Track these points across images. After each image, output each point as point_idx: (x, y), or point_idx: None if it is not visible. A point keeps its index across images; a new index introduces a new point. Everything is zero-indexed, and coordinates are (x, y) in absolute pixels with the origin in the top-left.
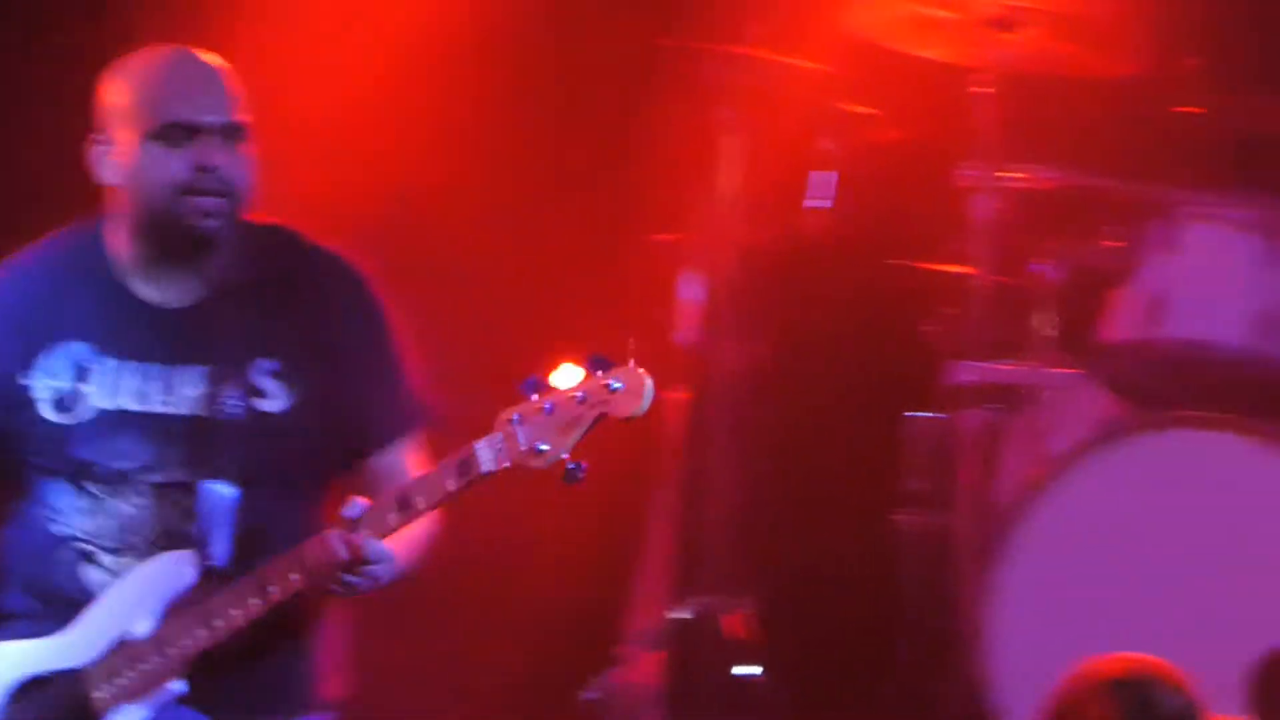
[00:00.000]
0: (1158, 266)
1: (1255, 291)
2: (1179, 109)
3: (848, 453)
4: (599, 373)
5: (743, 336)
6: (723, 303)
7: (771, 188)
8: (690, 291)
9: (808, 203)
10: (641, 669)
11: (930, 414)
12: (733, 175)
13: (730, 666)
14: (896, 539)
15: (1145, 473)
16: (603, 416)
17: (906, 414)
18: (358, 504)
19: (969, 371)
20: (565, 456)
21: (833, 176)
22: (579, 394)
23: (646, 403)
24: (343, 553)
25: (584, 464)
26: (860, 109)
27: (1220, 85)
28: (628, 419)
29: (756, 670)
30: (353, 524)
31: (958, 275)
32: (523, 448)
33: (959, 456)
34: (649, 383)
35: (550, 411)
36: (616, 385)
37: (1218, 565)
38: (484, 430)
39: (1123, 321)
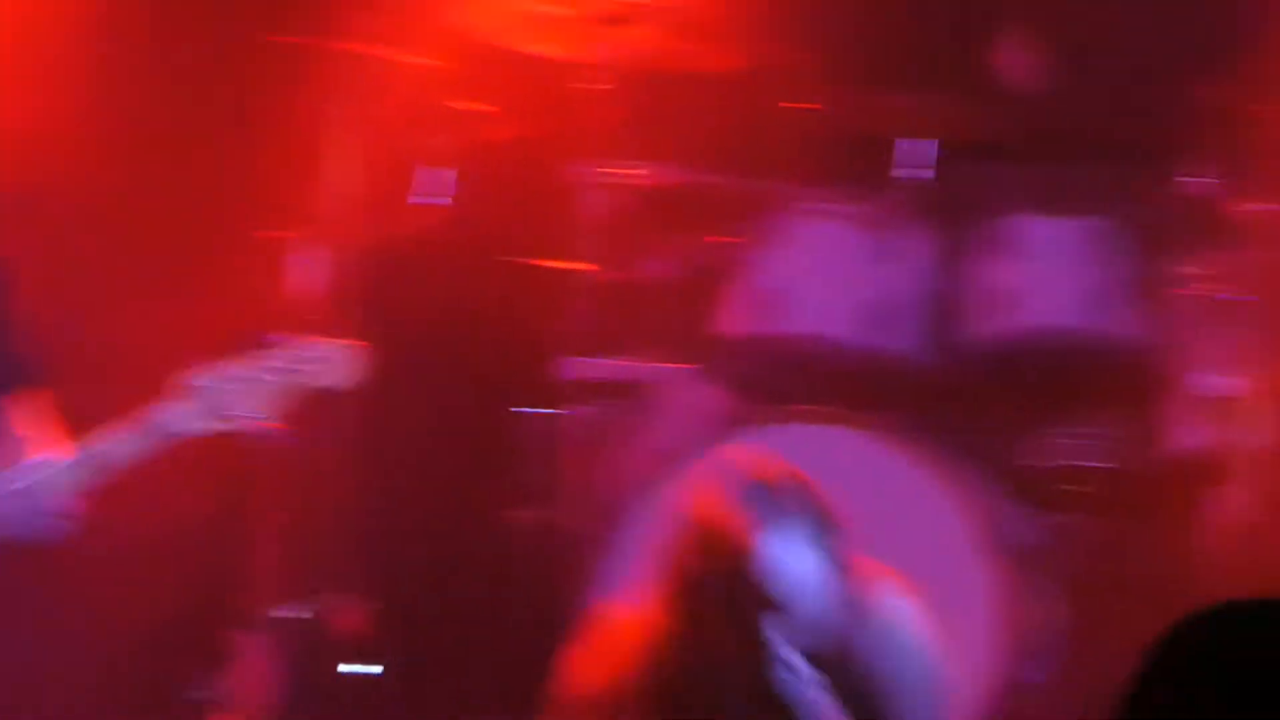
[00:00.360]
0: (771, 262)
1: (866, 285)
2: (791, 104)
3: (461, 449)
4: (294, 342)
5: (353, 334)
6: (334, 300)
7: (383, 185)
8: (302, 288)
9: (414, 199)
10: (253, 667)
11: (543, 410)
12: (345, 173)
13: (345, 665)
14: (509, 535)
15: None
16: (300, 384)
17: (519, 410)
18: None
19: (582, 368)
20: (253, 420)
21: (450, 174)
22: (275, 361)
23: (345, 374)
24: None
25: (277, 429)
26: (473, 106)
27: (830, 81)
28: (326, 389)
29: (372, 668)
30: None
31: (571, 272)
32: (212, 411)
33: (571, 453)
34: (345, 354)
35: (241, 377)
36: (313, 354)
37: None
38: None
39: (738, 317)
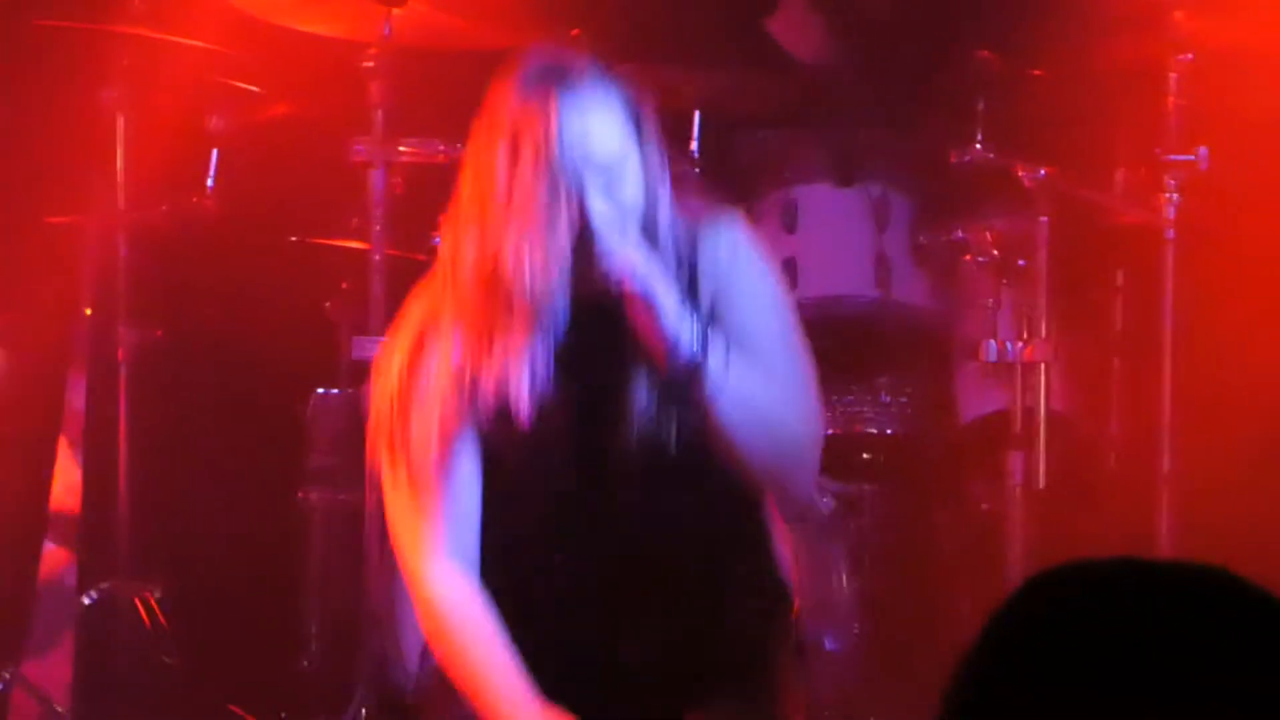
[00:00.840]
0: None
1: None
2: None
3: (253, 432)
4: None
5: (140, 318)
6: (117, 284)
7: (161, 167)
8: (88, 273)
9: (194, 181)
10: (48, 657)
11: (334, 390)
12: (123, 156)
13: (141, 653)
14: (305, 517)
15: None
16: None
17: (311, 391)
18: None
19: (371, 347)
20: None
21: (230, 154)
22: None
23: None
24: None
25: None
26: (249, 86)
27: (611, 56)
28: None
29: (166, 657)
30: None
31: (356, 251)
32: None
33: (364, 430)
34: None
35: None
36: None
37: None
38: None
39: None
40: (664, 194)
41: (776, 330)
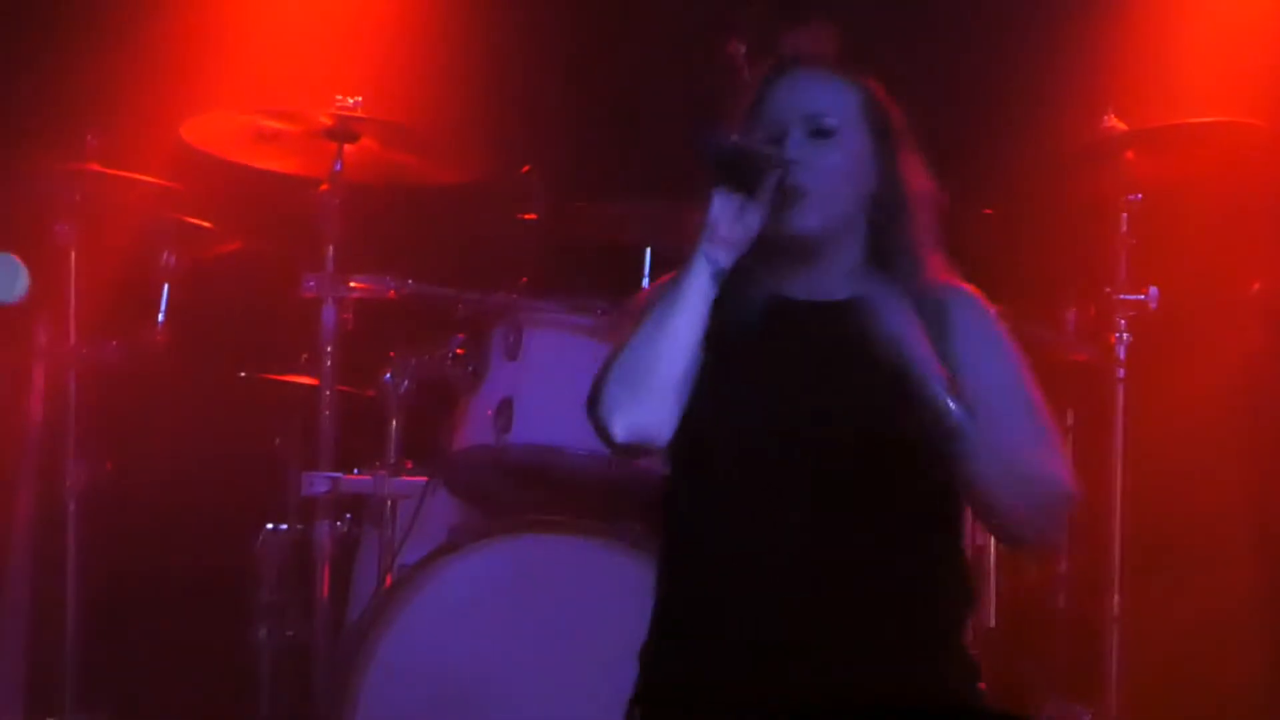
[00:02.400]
0: (502, 373)
1: None
2: (519, 215)
3: (201, 567)
4: None
5: (86, 453)
6: (66, 419)
7: (113, 302)
8: (37, 406)
9: (147, 315)
10: None
11: (284, 526)
12: (75, 290)
13: None
14: (255, 653)
15: (498, 577)
16: None
17: (260, 527)
18: None
19: (321, 483)
20: None
21: (164, 289)
22: None
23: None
24: None
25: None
26: (200, 222)
27: (558, 192)
28: None
29: None
30: None
31: (307, 386)
32: None
33: (314, 568)
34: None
35: None
36: None
37: (574, 660)
38: None
39: (471, 429)
40: (908, 218)
41: (1029, 397)
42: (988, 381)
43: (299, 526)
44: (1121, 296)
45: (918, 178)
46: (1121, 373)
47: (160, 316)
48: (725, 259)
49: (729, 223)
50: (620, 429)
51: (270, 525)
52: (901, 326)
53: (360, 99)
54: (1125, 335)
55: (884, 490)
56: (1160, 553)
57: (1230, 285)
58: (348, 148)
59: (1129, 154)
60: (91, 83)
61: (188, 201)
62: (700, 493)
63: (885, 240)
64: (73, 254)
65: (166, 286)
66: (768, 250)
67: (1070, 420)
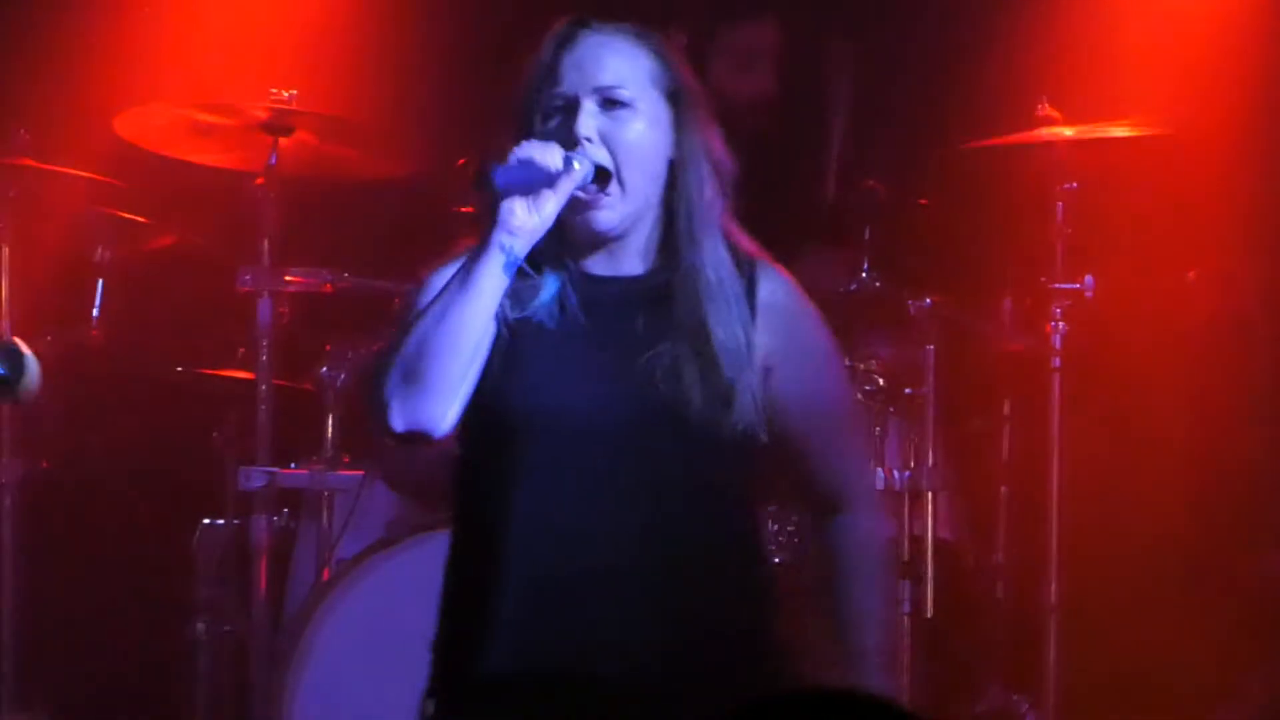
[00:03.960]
0: None
1: None
2: (458, 209)
3: (140, 562)
4: None
5: (21, 448)
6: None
7: (46, 297)
8: None
9: (77, 310)
10: None
11: (221, 521)
12: (7, 285)
13: None
14: (192, 648)
15: (435, 571)
16: None
17: (197, 522)
18: None
19: (258, 478)
20: None
21: (98, 284)
22: None
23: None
24: None
25: None
26: (135, 217)
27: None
28: None
29: None
30: None
31: (243, 381)
32: None
33: (251, 563)
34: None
35: None
36: None
37: None
38: None
39: None
40: (709, 188)
41: (841, 395)
42: (801, 374)
43: (236, 521)
44: (1057, 286)
45: (715, 145)
46: (1057, 362)
47: (95, 311)
48: (520, 248)
49: (523, 212)
50: (398, 420)
51: (207, 520)
52: (703, 303)
53: (295, 92)
54: (1061, 325)
55: (677, 468)
56: (1097, 542)
57: (1166, 274)
58: (283, 141)
59: (1063, 142)
60: (23, 77)
61: (122, 196)
62: (493, 474)
63: (686, 212)
64: (4, 249)
65: (101, 281)
66: (569, 232)
67: (1007, 410)
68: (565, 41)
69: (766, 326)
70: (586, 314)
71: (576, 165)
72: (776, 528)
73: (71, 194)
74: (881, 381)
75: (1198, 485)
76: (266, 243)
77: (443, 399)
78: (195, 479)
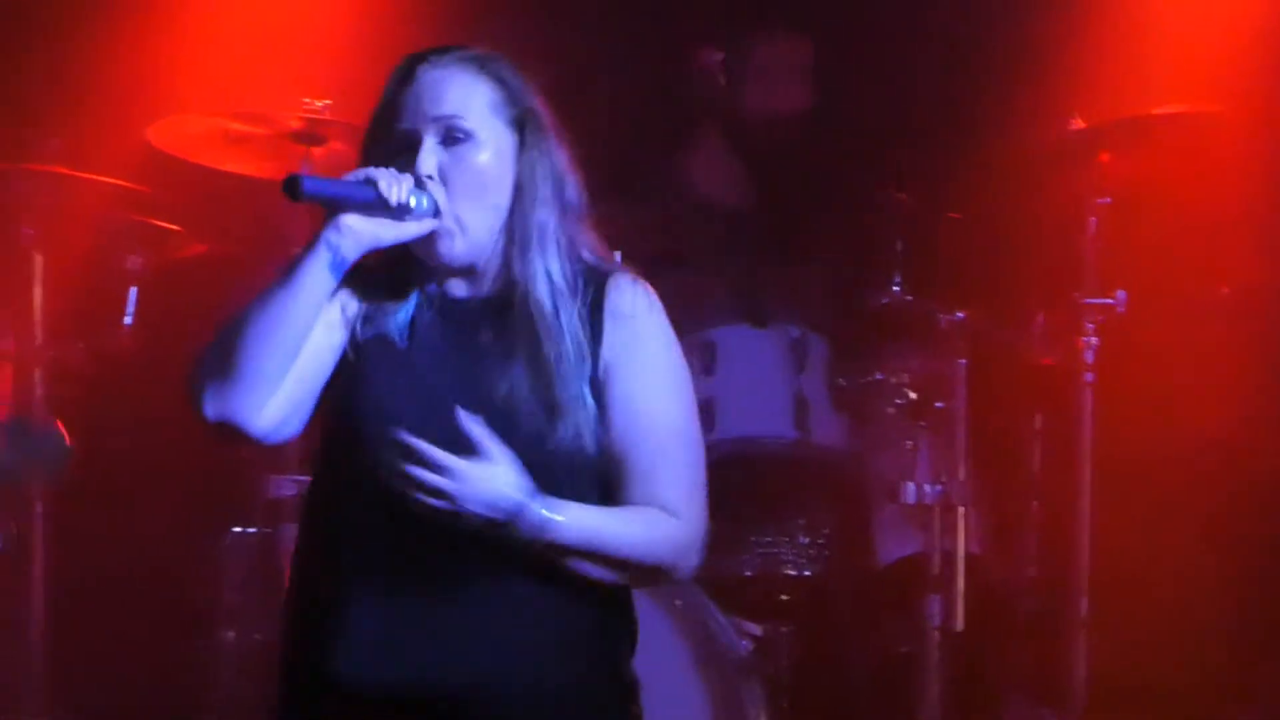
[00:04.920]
0: None
1: None
2: None
3: (169, 570)
4: None
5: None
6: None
7: (79, 304)
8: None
9: (111, 317)
10: None
11: (251, 529)
12: (41, 292)
13: None
14: (220, 656)
15: None
16: None
17: (227, 529)
18: None
19: (288, 486)
20: None
21: (132, 292)
22: None
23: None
24: None
25: None
26: (168, 225)
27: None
28: None
29: None
30: None
31: None
32: None
33: (280, 571)
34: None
35: None
36: None
37: None
38: None
39: None
40: (545, 209)
41: (671, 413)
42: (633, 389)
43: (265, 529)
44: (1089, 300)
45: (560, 166)
46: (1089, 376)
47: (127, 319)
48: (349, 249)
49: (357, 219)
50: (209, 408)
51: (236, 528)
52: (534, 320)
53: (328, 102)
54: (1093, 339)
55: None
56: (1128, 556)
57: (1198, 288)
58: (315, 150)
59: (1098, 157)
60: (57, 85)
61: (155, 204)
62: (334, 484)
63: (521, 234)
64: (38, 256)
65: (134, 289)
66: (420, 258)
67: (1038, 424)
68: (405, 78)
69: (609, 337)
70: (437, 333)
71: (412, 202)
72: (806, 541)
73: (104, 202)
74: (912, 395)
75: (1229, 499)
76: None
77: (253, 391)
78: (225, 487)
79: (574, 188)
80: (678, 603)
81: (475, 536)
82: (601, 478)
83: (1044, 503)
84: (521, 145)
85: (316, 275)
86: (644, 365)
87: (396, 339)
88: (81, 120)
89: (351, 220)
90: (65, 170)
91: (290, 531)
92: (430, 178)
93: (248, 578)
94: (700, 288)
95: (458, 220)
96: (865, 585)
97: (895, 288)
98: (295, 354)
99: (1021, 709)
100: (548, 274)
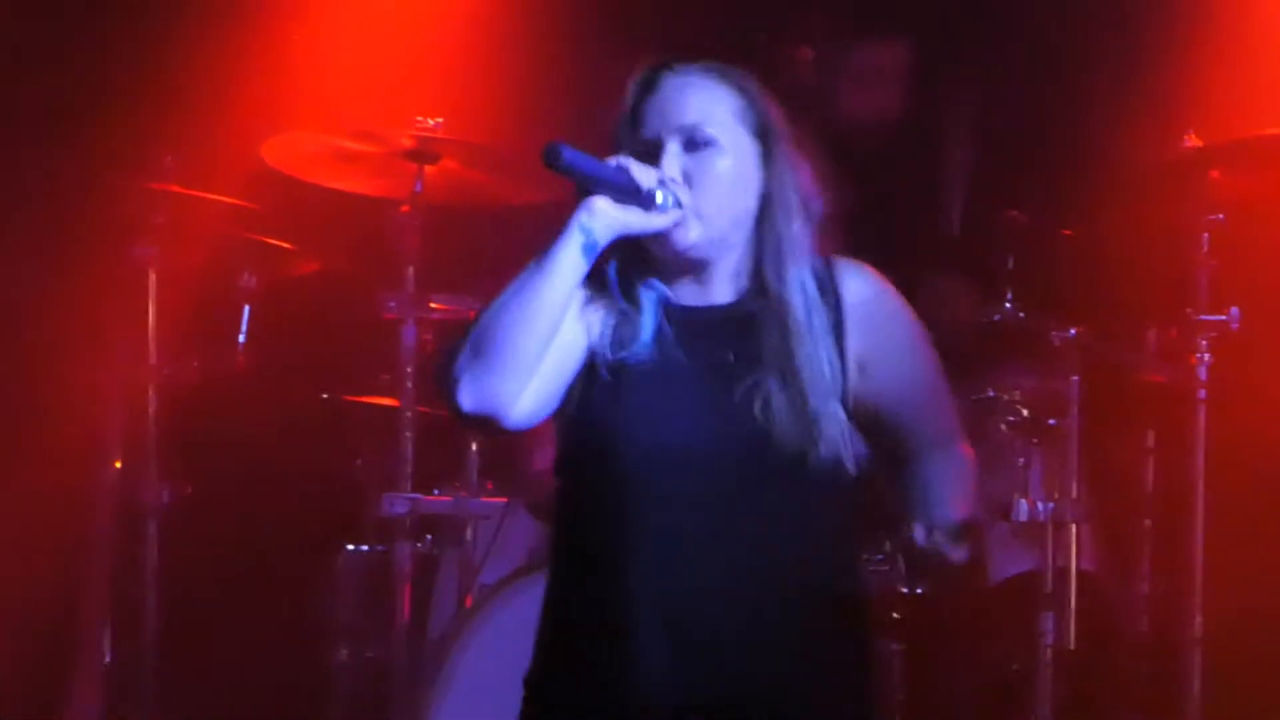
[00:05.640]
0: None
1: None
2: None
3: (283, 588)
4: None
5: (166, 473)
6: (146, 437)
7: (192, 322)
8: (117, 426)
9: (227, 336)
10: None
11: (364, 547)
12: (154, 310)
13: None
14: (334, 673)
15: None
16: None
17: (340, 547)
18: None
19: (400, 504)
20: None
21: (246, 310)
22: None
23: None
24: None
25: None
26: (280, 243)
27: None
28: None
29: None
30: None
31: (387, 407)
32: None
33: (393, 589)
34: None
35: None
36: None
37: None
38: None
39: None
40: (797, 222)
41: (933, 375)
42: (900, 370)
43: (379, 547)
44: (1202, 317)
45: (803, 177)
46: (1203, 394)
47: (241, 337)
48: (601, 232)
49: (606, 203)
50: (466, 398)
51: (350, 546)
52: (789, 337)
53: (441, 120)
54: (1206, 356)
55: (771, 502)
56: (1242, 574)
57: None
58: (428, 168)
59: (1210, 174)
60: (171, 103)
61: (267, 222)
62: (597, 509)
63: (774, 245)
64: (152, 274)
65: (247, 307)
66: (656, 259)
67: (1151, 442)
68: (648, 86)
69: (856, 327)
70: (681, 346)
71: (659, 197)
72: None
73: (217, 219)
74: (1025, 412)
75: None
76: (411, 270)
77: (512, 378)
78: (338, 505)
79: (817, 200)
80: None
81: (732, 552)
82: (855, 497)
83: (1157, 520)
84: (766, 155)
85: (570, 257)
86: (902, 342)
87: (645, 355)
88: (196, 138)
89: (602, 204)
90: (179, 188)
91: (404, 549)
92: (674, 180)
93: (361, 596)
94: None
95: (699, 216)
96: (977, 603)
97: (1007, 304)
98: (550, 340)
99: None
100: (802, 285)
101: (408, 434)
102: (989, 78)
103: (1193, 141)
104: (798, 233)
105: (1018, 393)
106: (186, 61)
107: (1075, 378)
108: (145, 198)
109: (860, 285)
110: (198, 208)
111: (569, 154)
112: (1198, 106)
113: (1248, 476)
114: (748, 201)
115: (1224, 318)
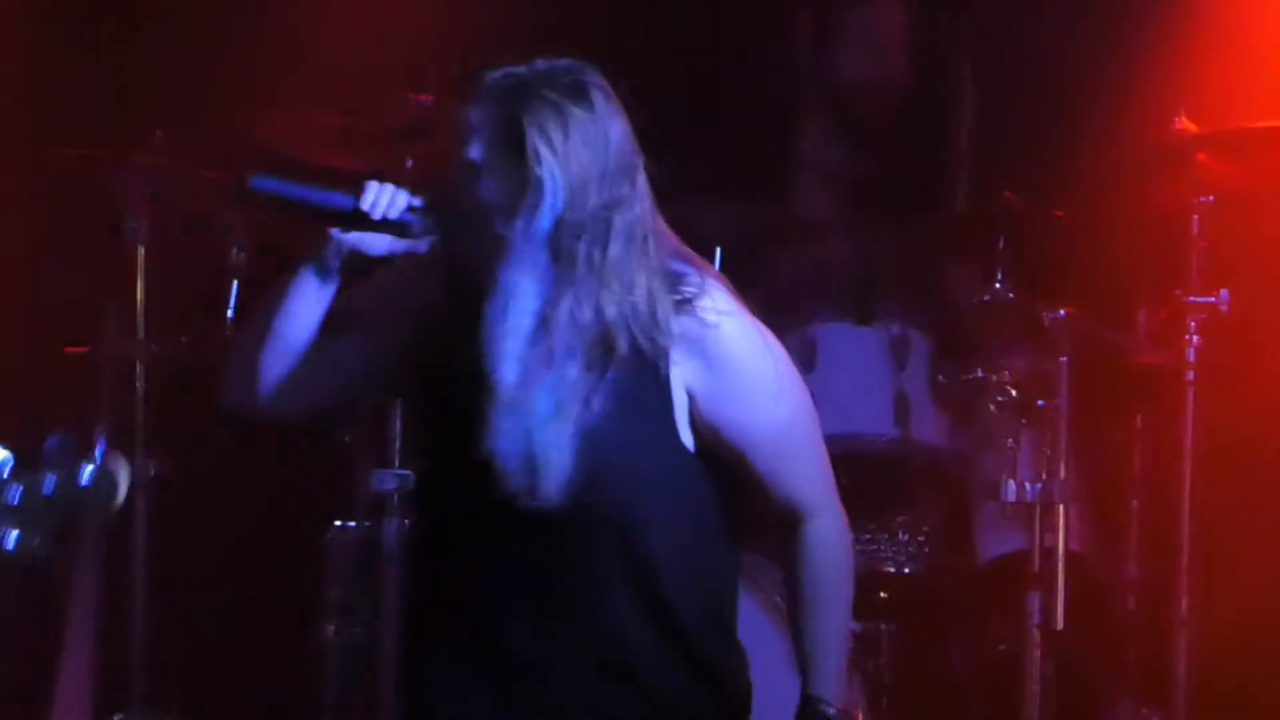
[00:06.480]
0: None
1: None
2: None
3: (271, 564)
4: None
5: (155, 449)
6: (135, 414)
7: (181, 298)
8: (105, 402)
9: (215, 313)
10: None
11: (353, 523)
12: (143, 286)
13: None
14: (322, 650)
15: None
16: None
17: (329, 524)
18: None
19: (390, 480)
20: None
21: (233, 285)
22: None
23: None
24: None
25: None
26: (269, 219)
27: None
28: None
29: None
30: None
31: None
32: None
33: (382, 565)
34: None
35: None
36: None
37: None
38: None
39: None
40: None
41: (801, 444)
42: (740, 415)
43: (368, 524)
44: (1192, 299)
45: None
46: (1192, 375)
47: (230, 313)
48: (335, 255)
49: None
50: (222, 396)
51: (339, 522)
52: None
53: (433, 98)
54: (1196, 338)
55: (612, 524)
56: (1229, 556)
57: None
58: (419, 146)
59: (1200, 156)
60: (161, 77)
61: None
62: (433, 517)
63: (582, 253)
64: (141, 249)
65: (236, 283)
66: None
67: (1140, 423)
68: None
69: (684, 358)
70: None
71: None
72: (906, 538)
73: (207, 195)
74: (1014, 393)
75: None
76: None
77: (253, 380)
78: (327, 481)
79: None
80: (778, 600)
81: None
82: (701, 479)
83: (1145, 501)
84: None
85: (306, 285)
86: (738, 391)
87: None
88: (185, 113)
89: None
90: (169, 163)
91: (393, 526)
92: (421, 210)
93: (350, 572)
94: (800, 285)
95: (448, 235)
96: (965, 583)
97: (997, 285)
98: (296, 346)
99: (1122, 708)
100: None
101: (397, 410)
102: (982, 58)
103: (1183, 123)
104: (600, 242)
105: (1007, 373)
106: (178, 35)
107: (1065, 359)
108: (134, 172)
109: (694, 322)
110: (188, 183)
111: (259, 181)
112: (1190, 90)
113: (1236, 458)
114: (510, 220)
115: (1214, 300)
